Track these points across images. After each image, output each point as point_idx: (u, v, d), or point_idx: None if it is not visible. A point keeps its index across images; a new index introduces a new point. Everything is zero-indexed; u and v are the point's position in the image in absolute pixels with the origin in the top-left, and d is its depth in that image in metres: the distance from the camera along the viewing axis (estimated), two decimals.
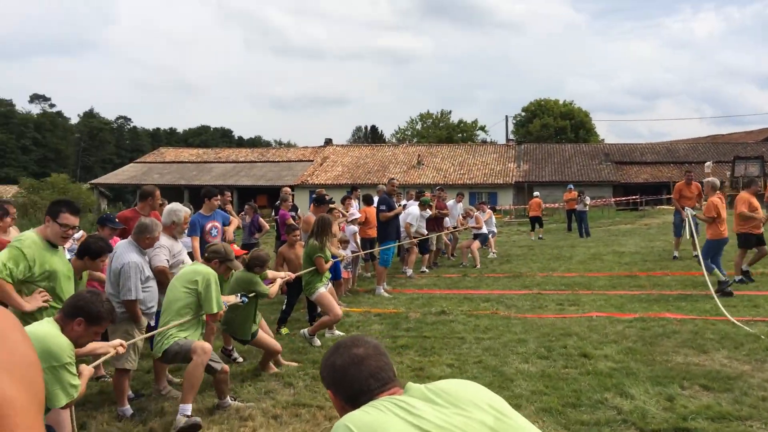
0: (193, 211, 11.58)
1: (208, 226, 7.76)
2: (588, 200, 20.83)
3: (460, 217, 14.76)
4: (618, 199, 36.31)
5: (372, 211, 11.30)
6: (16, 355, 0.86)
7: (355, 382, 1.60)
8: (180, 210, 5.77)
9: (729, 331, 6.85)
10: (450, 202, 15.34)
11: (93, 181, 48.04)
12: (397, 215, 10.60)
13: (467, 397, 1.55)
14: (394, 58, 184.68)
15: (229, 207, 10.00)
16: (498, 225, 24.29)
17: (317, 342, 7.05)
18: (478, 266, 12.93)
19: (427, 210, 12.61)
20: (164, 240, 5.55)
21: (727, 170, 33.24)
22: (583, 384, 5.32)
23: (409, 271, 12.05)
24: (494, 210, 17.84)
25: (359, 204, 13.35)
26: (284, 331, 7.70)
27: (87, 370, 3.66)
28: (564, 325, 7.51)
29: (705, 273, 8.74)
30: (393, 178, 11.75)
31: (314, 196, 9.83)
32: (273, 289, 6.32)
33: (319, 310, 7.69)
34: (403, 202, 14.22)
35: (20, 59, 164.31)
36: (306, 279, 7.18)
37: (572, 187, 22.74)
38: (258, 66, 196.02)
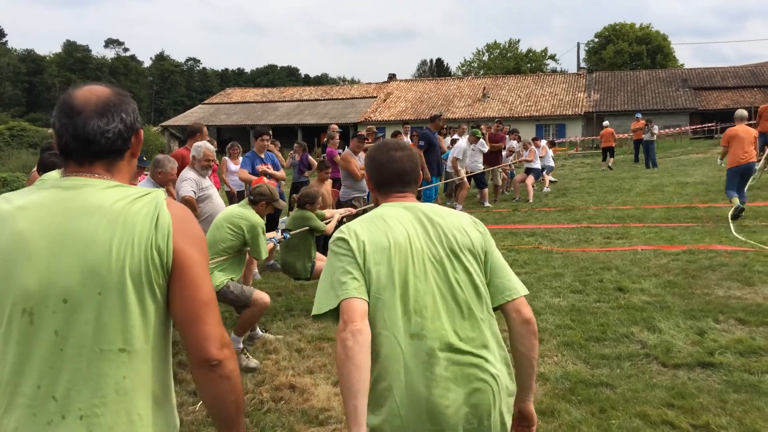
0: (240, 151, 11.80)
1: (260, 168, 7.81)
2: (656, 129, 19.85)
3: (519, 149, 14.38)
4: (694, 127, 34.51)
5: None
6: (195, 232, 1.52)
7: (385, 176, 2.08)
8: (200, 146, 5.84)
9: None
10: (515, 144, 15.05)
11: (163, 123, 49.56)
12: (433, 152, 10.25)
13: (445, 229, 1.95)
14: None
15: (273, 148, 10.04)
16: (562, 158, 23.78)
17: None
18: (530, 200, 12.68)
19: (483, 142, 12.37)
20: (191, 173, 5.70)
21: None
22: (612, 318, 5.22)
23: (459, 207, 11.93)
24: (553, 144, 17.38)
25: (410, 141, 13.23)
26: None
27: None
28: (606, 258, 7.32)
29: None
30: (437, 116, 11.25)
31: (336, 133, 9.83)
32: (330, 225, 6.35)
33: None
34: (455, 136, 14.02)
35: (96, 4, 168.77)
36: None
37: (640, 116, 21.77)
38: (326, 1, 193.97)
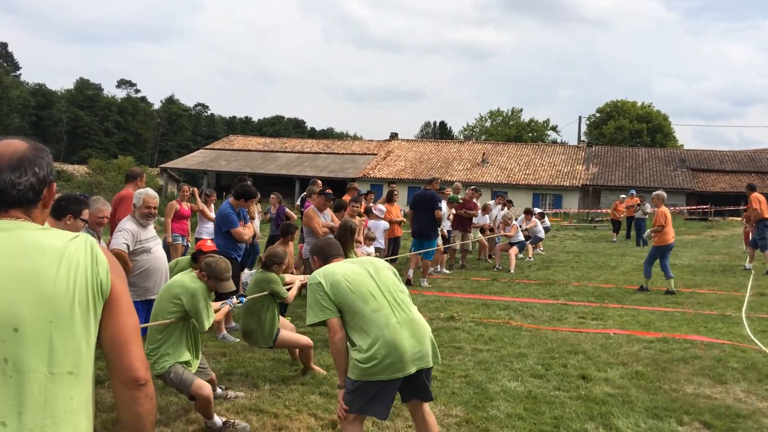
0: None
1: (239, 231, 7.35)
2: (648, 208, 19.62)
3: (501, 224, 13.99)
4: (690, 207, 34.42)
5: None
6: (122, 270, 1.71)
7: (328, 254, 3.82)
8: (140, 193, 5.45)
9: (758, 360, 6.12)
10: (491, 203, 14.82)
11: (162, 165, 49.60)
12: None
13: (367, 263, 3.74)
14: (473, 53, 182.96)
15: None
16: (554, 228, 23.59)
17: None
18: (512, 271, 12.31)
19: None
20: (129, 224, 5.32)
21: None
22: (568, 410, 4.80)
23: (441, 269, 11.82)
24: (543, 216, 17.17)
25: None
26: (287, 318, 7.60)
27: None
28: (576, 340, 6.93)
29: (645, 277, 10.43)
30: (435, 178, 11.33)
31: (317, 187, 9.59)
32: (291, 292, 5.93)
33: None
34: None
35: (113, 44, 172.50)
36: None
37: (634, 192, 21.62)
38: (336, 57, 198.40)
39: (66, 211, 4.54)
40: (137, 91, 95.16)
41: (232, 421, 4.52)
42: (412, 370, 3.35)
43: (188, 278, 4.70)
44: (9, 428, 1.44)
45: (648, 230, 10.62)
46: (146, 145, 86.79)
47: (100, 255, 1.63)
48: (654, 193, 10.69)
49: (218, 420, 4.49)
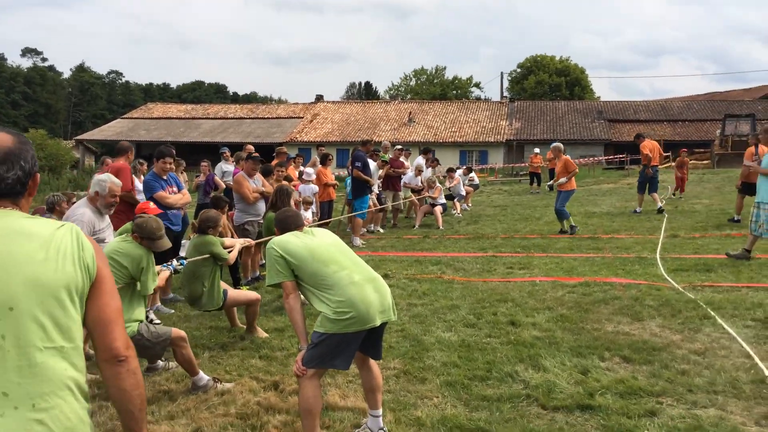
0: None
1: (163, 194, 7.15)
2: None
3: (425, 187, 14.15)
4: (608, 158, 35.82)
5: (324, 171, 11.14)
6: (105, 256, 1.85)
7: (289, 226, 3.92)
8: (104, 180, 5.20)
9: (672, 297, 6.57)
10: (422, 162, 14.96)
11: (78, 137, 47.46)
12: (366, 173, 10.97)
13: (315, 231, 3.97)
14: (395, 12, 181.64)
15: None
16: (482, 184, 24.11)
17: None
18: (441, 227, 12.61)
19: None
20: (87, 212, 5.08)
21: (719, 128, 32.68)
22: (500, 355, 5.06)
23: (375, 228, 11.99)
24: (470, 170, 17.60)
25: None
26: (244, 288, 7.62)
27: None
28: (505, 290, 7.23)
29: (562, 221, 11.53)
30: (369, 141, 11.73)
31: (245, 153, 9.46)
32: (232, 254, 5.94)
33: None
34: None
35: (14, 10, 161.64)
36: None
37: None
38: (256, 20, 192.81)
39: None
40: (44, 59, 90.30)
41: (219, 379, 4.63)
42: (378, 322, 3.56)
43: (130, 245, 4.60)
44: (11, 398, 1.55)
45: (563, 178, 11.17)
46: (58, 116, 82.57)
47: (86, 242, 1.77)
48: (553, 145, 11.69)
49: (205, 376, 4.56)
